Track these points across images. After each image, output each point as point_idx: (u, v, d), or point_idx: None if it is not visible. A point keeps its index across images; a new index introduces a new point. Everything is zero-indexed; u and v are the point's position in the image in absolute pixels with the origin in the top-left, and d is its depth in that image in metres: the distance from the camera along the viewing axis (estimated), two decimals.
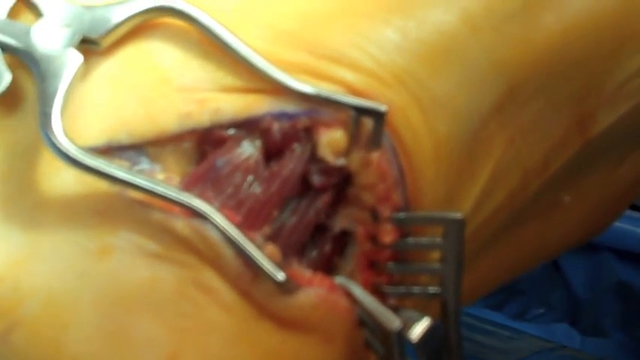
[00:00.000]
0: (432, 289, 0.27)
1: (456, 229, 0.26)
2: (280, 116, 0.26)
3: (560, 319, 0.71)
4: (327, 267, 0.27)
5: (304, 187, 0.27)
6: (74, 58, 0.26)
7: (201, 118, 0.26)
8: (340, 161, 0.26)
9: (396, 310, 0.27)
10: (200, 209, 0.25)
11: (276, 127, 0.26)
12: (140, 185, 0.25)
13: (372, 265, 0.27)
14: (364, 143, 0.26)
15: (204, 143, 0.26)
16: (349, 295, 0.26)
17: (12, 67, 0.26)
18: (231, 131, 0.26)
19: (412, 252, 0.28)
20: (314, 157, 0.26)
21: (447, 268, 0.27)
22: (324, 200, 0.27)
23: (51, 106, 0.25)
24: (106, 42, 0.26)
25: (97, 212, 0.25)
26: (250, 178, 0.26)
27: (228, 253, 0.25)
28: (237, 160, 0.26)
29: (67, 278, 0.25)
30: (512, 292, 0.72)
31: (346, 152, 0.26)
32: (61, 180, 0.25)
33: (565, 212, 0.36)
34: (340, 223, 0.27)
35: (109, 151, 0.26)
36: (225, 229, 0.25)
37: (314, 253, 0.27)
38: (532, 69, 0.29)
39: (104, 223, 0.25)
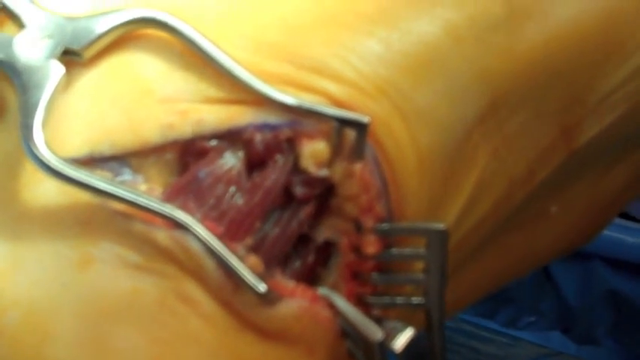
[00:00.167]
0: (416, 300, 0.27)
1: (439, 239, 0.26)
2: (263, 127, 0.26)
3: (552, 327, 0.71)
4: (311, 278, 0.27)
5: (287, 198, 0.27)
6: (56, 70, 0.26)
7: (184, 129, 0.26)
8: (323, 172, 0.26)
9: (379, 320, 0.27)
10: (182, 220, 0.25)
11: (258, 138, 0.26)
12: (122, 196, 0.25)
13: (356, 275, 0.27)
14: (347, 154, 0.26)
15: (186, 154, 0.26)
16: (332, 306, 0.26)
17: None
18: (214, 142, 0.26)
19: (396, 263, 0.28)
20: (296, 168, 0.26)
21: (431, 278, 0.27)
22: (306, 211, 0.27)
23: (33, 118, 0.25)
24: (89, 53, 0.26)
25: (79, 223, 0.25)
26: (232, 189, 0.26)
27: (209, 264, 0.25)
28: (219, 172, 0.26)
29: (48, 288, 0.25)
30: (504, 300, 0.72)
31: (329, 163, 0.26)
32: (43, 191, 0.25)
33: (552, 222, 0.36)
34: (323, 233, 0.27)
35: (91, 162, 0.26)
36: (206, 240, 0.25)
37: (297, 264, 0.27)
38: (516, 79, 0.29)
39: (86, 234, 0.25)
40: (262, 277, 0.25)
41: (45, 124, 0.25)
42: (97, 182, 0.25)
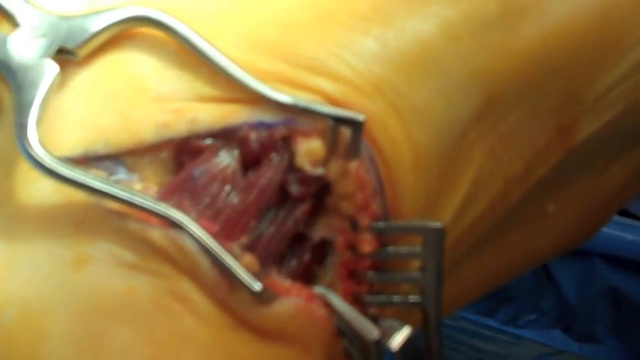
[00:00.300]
0: (413, 298, 0.27)
1: (435, 238, 0.26)
2: (258, 126, 0.26)
3: (552, 325, 0.71)
4: (307, 276, 0.27)
5: (282, 197, 0.27)
6: (50, 69, 0.26)
7: (179, 127, 0.26)
8: (318, 171, 0.26)
9: (376, 319, 0.27)
10: (176, 219, 0.25)
11: (253, 136, 0.26)
12: (117, 195, 0.25)
13: (352, 274, 0.27)
14: (342, 153, 0.26)
15: (181, 153, 0.26)
16: (328, 304, 0.26)
17: None
18: (209, 141, 0.26)
19: (392, 261, 0.28)
20: (292, 167, 0.26)
21: (427, 277, 0.27)
22: (302, 210, 0.27)
23: (27, 117, 0.25)
24: (83, 52, 0.26)
25: (73, 222, 0.25)
26: (228, 187, 0.26)
27: (204, 263, 0.25)
28: (214, 170, 0.26)
29: (43, 288, 0.25)
30: (504, 298, 0.72)
31: (324, 162, 0.26)
32: (38, 190, 0.25)
33: (549, 220, 0.36)
34: (319, 232, 0.27)
35: (86, 161, 0.26)
36: (201, 239, 0.24)
37: (293, 263, 0.27)
38: (512, 77, 0.29)
39: (81, 233, 0.25)
40: (257, 276, 0.25)
41: (39, 123, 0.25)
42: (91, 181, 0.24)
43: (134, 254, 0.25)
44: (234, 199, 0.26)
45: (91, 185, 0.24)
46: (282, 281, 0.26)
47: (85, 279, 0.25)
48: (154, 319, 0.24)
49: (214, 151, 0.26)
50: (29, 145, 0.25)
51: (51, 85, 0.25)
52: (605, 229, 0.64)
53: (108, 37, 0.26)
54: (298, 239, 0.27)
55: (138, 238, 0.25)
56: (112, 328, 0.24)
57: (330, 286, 0.27)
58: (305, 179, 0.26)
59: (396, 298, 0.28)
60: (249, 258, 0.25)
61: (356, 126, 0.26)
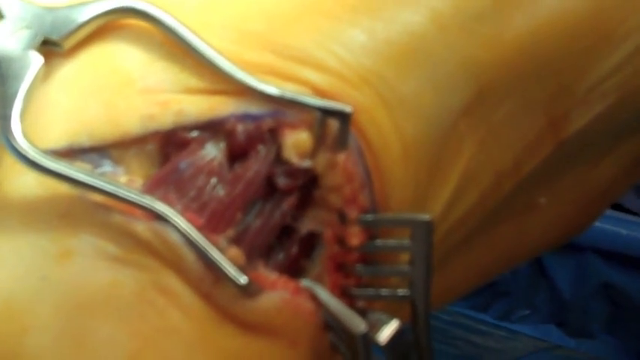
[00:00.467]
0: (402, 292, 0.27)
1: (424, 230, 0.26)
2: (244, 118, 0.26)
3: (546, 320, 0.71)
4: (295, 269, 0.27)
5: (269, 190, 0.26)
6: (35, 60, 0.25)
7: (164, 119, 0.25)
8: (306, 163, 0.26)
9: (364, 312, 0.26)
10: (161, 212, 0.24)
11: (240, 128, 0.26)
12: (101, 188, 0.24)
13: (340, 267, 0.27)
14: (330, 144, 0.26)
15: (167, 145, 0.26)
16: (315, 298, 0.26)
17: None
18: (195, 133, 0.26)
19: (381, 254, 0.27)
20: (279, 159, 0.26)
21: (416, 270, 0.27)
22: (289, 202, 0.27)
23: (11, 109, 0.25)
24: (68, 44, 0.26)
25: (58, 215, 0.25)
26: (214, 180, 0.26)
27: (189, 256, 0.24)
28: (200, 163, 0.26)
29: (27, 281, 0.24)
30: (498, 293, 0.72)
31: (312, 154, 0.26)
32: (22, 183, 0.25)
33: (541, 213, 0.36)
34: (307, 225, 0.27)
35: (71, 153, 0.25)
36: (186, 231, 0.24)
37: (280, 256, 0.27)
38: (502, 69, 0.29)
39: (65, 226, 0.25)
40: (243, 269, 0.24)
41: (23, 115, 0.25)
42: (75, 174, 0.24)
43: (118, 247, 0.24)
44: (221, 191, 0.26)
45: (76, 178, 0.24)
46: (268, 274, 0.26)
47: (70, 272, 0.24)
48: (138, 313, 0.24)
49: (200, 143, 0.26)
50: (13, 137, 0.24)
51: (35, 76, 0.25)
52: (600, 224, 0.64)
53: (93, 29, 0.26)
54: (286, 232, 0.27)
55: (122, 230, 0.24)
56: (96, 322, 0.24)
57: (318, 280, 0.27)
58: (292, 171, 0.26)
59: (385, 292, 0.27)
60: (234, 251, 0.25)
61: (343, 117, 0.26)
